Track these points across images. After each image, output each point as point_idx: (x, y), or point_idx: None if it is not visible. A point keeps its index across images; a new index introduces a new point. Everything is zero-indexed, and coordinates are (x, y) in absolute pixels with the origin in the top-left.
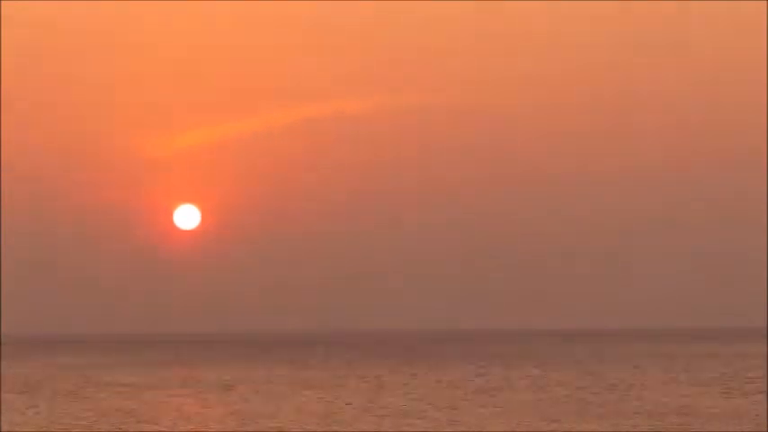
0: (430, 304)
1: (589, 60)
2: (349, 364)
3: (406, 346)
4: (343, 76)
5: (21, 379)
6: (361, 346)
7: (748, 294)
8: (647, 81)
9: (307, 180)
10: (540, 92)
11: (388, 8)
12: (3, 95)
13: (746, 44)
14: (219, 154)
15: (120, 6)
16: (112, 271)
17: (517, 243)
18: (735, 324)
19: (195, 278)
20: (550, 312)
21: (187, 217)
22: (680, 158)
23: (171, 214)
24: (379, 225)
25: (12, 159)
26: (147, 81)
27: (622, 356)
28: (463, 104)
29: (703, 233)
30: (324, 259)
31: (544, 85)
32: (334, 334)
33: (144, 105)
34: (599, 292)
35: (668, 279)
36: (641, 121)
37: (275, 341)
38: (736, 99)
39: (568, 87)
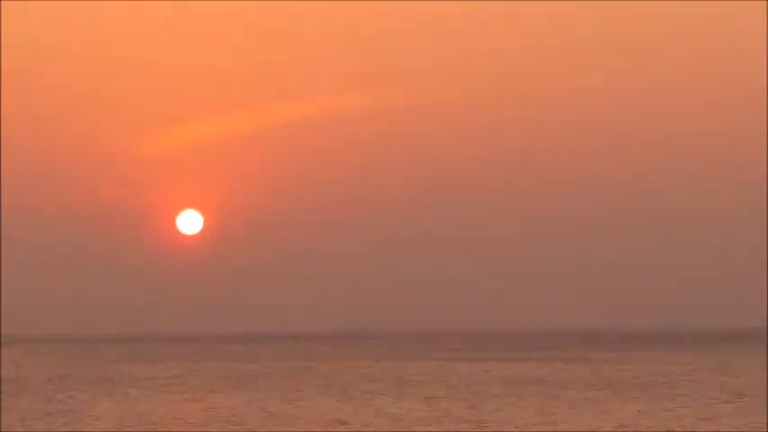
0: (428, 302)
1: (583, 63)
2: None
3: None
4: (346, 74)
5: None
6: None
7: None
8: (646, 82)
9: (314, 181)
10: (532, 91)
11: (385, 11)
12: (6, 96)
13: (746, 44)
14: (222, 157)
15: (125, 6)
16: (115, 273)
17: (511, 241)
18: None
19: (198, 281)
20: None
21: (190, 222)
22: (678, 161)
23: (174, 219)
24: (382, 223)
25: (19, 160)
26: (154, 84)
27: None
28: (463, 102)
29: (701, 235)
30: (329, 258)
31: (535, 85)
32: (336, 331)
33: (151, 109)
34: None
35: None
36: (639, 121)
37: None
38: (735, 99)
39: (564, 90)
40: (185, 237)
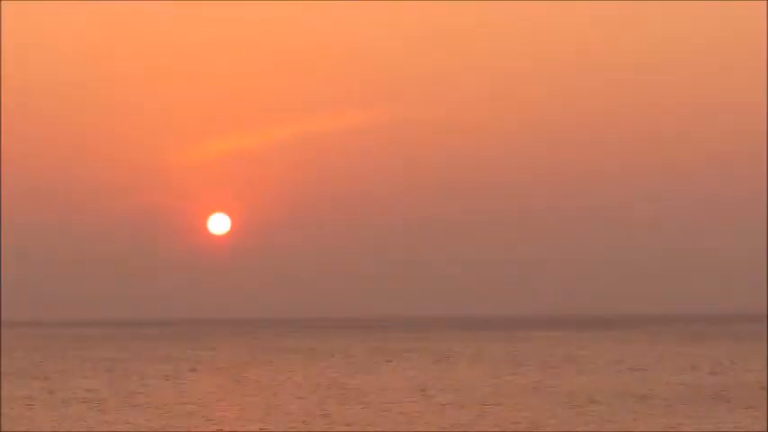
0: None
1: (583, 66)
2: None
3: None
4: (371, 89)
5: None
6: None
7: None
8: (645, 82)
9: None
10: (522, 106)
11: (414, 28)
12: (42, 108)
13: (746, 44)
14: (248, 165)
15: (163, 15)
16: (153, 266)
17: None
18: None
19: (225, 273)
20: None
21: (219, 223)
22: (677, 165)
23: (205, 221)
24: (396, 225)
25: (61, 167)
26: (186, 97)
27: None
28: (462, 120)
29: (701, 234)
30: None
31: (545, 93)
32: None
33: (184, 121)
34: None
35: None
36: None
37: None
38: (735, 99)
39: (567, 91)
40: (215, 236)
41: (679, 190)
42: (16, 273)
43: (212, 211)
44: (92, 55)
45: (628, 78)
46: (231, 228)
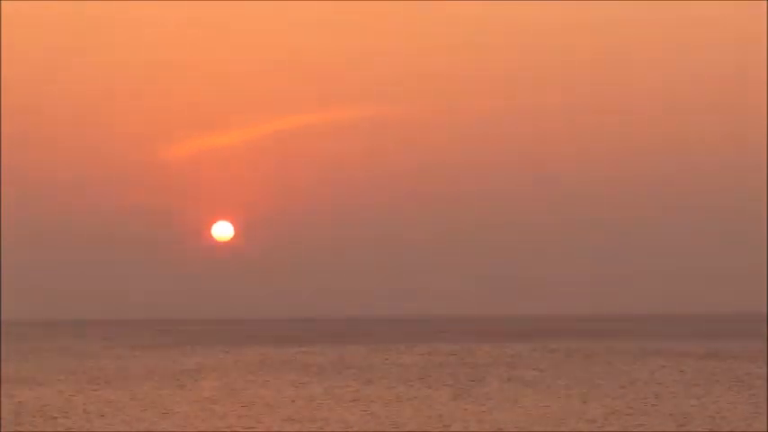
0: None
1: (582, 67)
2: None
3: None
4: (365, 86)
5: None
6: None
7: None
8: (645, 83)
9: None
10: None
11: (403, 27)
12: (38, 106)
13: (746, 44)
14: (249, 164)
15: (153, 10)
16: (163, 268)
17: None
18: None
19: (227, 277)
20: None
21: (222, 231)
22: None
23: (209, 227)
24: (393, 220)
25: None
26: (179, 93)
27: None
28: (474, 114)
29: (702, 235)
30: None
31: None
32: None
33: (180, 117)
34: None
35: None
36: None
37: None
38: (735, 100)
39: (553, 91)
40: (219, 242)
41: (677, 192)
42: (15, 273)
43: (211, 209)
44: (90, 54)
45: (626, 79)
46: (234, 232)
